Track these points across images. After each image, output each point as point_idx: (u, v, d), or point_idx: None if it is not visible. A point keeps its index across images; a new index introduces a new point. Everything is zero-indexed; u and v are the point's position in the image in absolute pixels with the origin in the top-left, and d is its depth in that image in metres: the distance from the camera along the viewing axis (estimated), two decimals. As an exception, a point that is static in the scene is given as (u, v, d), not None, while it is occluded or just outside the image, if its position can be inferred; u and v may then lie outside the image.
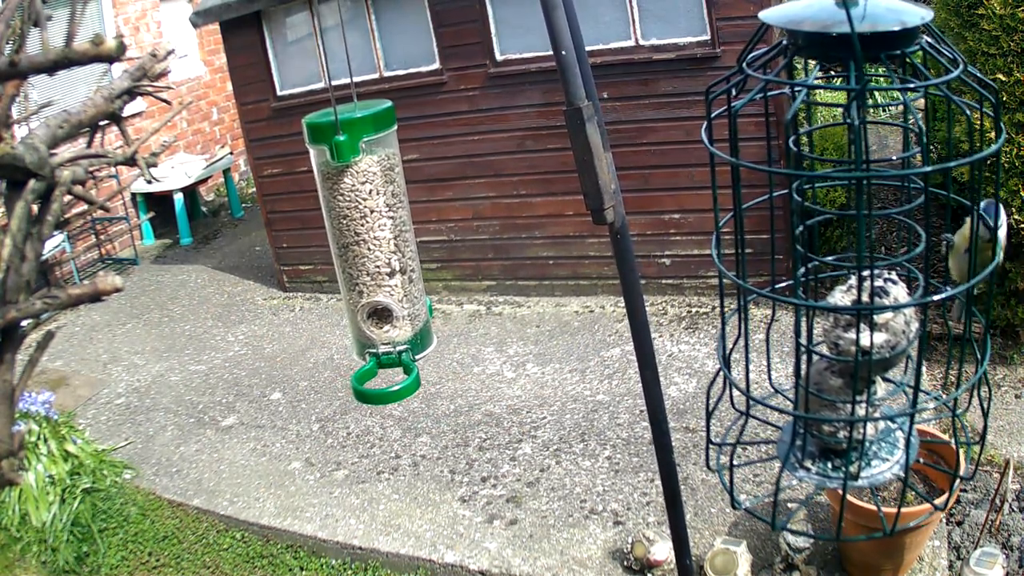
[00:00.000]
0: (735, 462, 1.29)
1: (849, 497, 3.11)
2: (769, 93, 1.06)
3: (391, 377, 1.75)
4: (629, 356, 5.05)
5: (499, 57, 5.63)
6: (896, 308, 1.06)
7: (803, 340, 1.10)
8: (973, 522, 3.43)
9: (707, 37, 5.07)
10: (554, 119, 5.49)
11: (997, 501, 3.35)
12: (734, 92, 1.06)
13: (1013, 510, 3.45)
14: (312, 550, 3.99)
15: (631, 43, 5.27)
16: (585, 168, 1.69)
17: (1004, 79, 3.87)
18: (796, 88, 1.00)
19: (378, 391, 1.64)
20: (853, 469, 1.12)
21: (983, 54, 3.95)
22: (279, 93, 6.43)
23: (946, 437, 3.24)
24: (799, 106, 0.98)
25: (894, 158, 1.00)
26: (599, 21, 5.30)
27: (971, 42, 4.00)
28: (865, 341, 1.06)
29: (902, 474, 1.13)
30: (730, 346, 1.24)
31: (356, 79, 6.03)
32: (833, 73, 1.01)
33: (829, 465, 1.16)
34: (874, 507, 3.07)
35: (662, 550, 3.40)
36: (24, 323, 1.31)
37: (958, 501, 3.55)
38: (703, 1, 5.00)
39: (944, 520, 3.44)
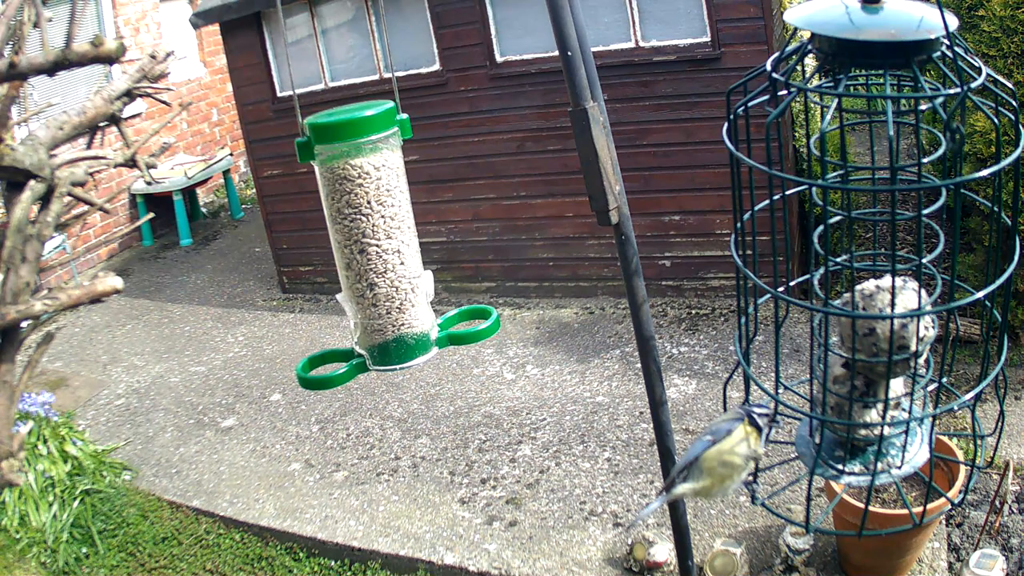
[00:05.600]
0: (761, 466, 1.29)
1: (848, 497, 3.11)
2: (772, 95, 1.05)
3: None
4: (629, 358, 5.05)
5: (499, 59, 5.63)
6: (942, 311, 1.06)
7: (843, 345, 1.11)
8: (973, 524, 3.42)
9: (707, 39, 5.06)
10: (554, 120, 5.49)
11: (997, 503, 3.35)
12: (766, 97, 1.06)
13: (1013, 512, 3.45)
14: (311, 551, 3.98)
15: (631, 44, 5.27)
16: (590, 170, 1.68)
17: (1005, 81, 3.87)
18: (826, 95, 0.99)
19: (465, 331, 1.68)
20: (882, 465, 1.13)
21: (983, 56, 3.95)
22: (279, 94, 6.43)
23: (946, 440, 3.24)
24: (821, 110, 0.97)
25: (926, 161, 0.99)
26: (599, 23, 5.29)
27: (971, 44, 4.00)
28: (914, 343, 1.07)
29: (925, 459, 1.14)
30: (743, 347, 1.24)
31: (356, 80, 6.06)
32: (839, 75, 1.00)
33: (857, 464, 1.16)
34: (874, 507, 3.07)
35: (662, 551, 3.40)
36: (24, 324, 1.31)
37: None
38: (703, 2, 4.99)
39: (944, 522, 3.43)
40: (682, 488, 1.33)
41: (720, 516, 3.65)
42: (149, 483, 4.59)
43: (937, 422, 3.55)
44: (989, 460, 1.29)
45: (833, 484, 3.09)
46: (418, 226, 1.67)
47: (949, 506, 1.31)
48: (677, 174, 5.40)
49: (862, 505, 3.06)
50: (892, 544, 3.14)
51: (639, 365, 1.99)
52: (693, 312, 5.47)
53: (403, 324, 1.62)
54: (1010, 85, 1.00)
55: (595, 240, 5.75)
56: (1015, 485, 3.55)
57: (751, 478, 1.31)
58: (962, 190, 1.01)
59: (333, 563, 3.92)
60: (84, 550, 4.13)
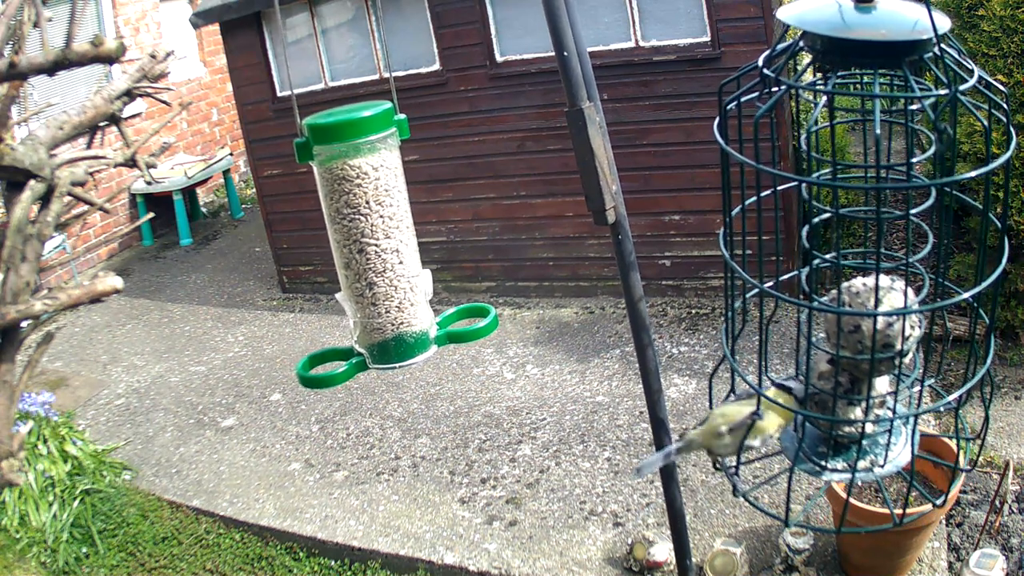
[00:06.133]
0: (744, 460, 1.29)
1: (842, 493, 3.11)
2: (765, 92, 1.06)
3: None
4: (628, 357, 5.05)
5: (499, 58, 5.63)
6: (926, 310, 1.07)
7: (829, 342, 1.11)
8: (973, 523, 3.43)
9: (707, 38, 5.07)
10: (554, 120, 5.49)
11: (997, 502, 3.35)
12: (755, 94, 1.06)
13: (1013, 511, 3.45)
14: (311, 551, 3.99)
15: (631, 44, 5.27)
16: (586, 169, 1.69)
17: (1004, 81, 3.87)
18: (818, 93, 1.00)
19: (464, 330, 1.68)
20: (865, 463, 1.14)
21: (983, 55, 3.95)
22: (279, 94, 6.43)
23: (947, 440, 3.24)
24: (813, 108, 0.98)
25: (915, 161, 1.00)
26: (599, 22, 5.30)
27: (971, 44, 4.00)
28: (899, 343, 1.07)
29: (909, 459, 1.15)
30: (730, 341, 1.25)
31: (356, 80, 6.06)
32: (833, 73, 1.00)
33: (840, 461, 1.17)
34: (872, 507, 3.08)
35: (662, 551, 3.40)
36: (24, 324, 1.31)
37: (958, 502, 3.54)
38: (703, 2, 5.00)
39: (944, 521, 3.44)
40: (691, 434, 1.37)
41: (720, 516, 3.65)
42: (149, 483, 4.59)
43: (938, 422, 3.54)
44: (974, 461, 1.30)
45: (835, 485, 3.10)
46: (418, 226, 1.68)
47: (932, 507, 1.32)
48: (677, 174, 5.40)
49: (863, 504, 3.06)
50: (891, 544, 3.14)
51: (638, 363, 2.00)
52: (693, 312, 5.47)
53: (402, 323, 1.63)
54: (1001, 87, 1.00)
55: (595, 240, 5.75)
56: (1015, 485, 3.55)
57: (734, 470, 1.31)
58: (952, 191, 1.01)
59: (333, 563, 3.92)
60: (84, 550, 4.13)
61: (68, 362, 6.19)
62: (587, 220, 5.58)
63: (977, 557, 3.09)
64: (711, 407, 1.38)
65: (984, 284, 1.03)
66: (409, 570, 3.77)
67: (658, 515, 3.71)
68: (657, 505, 3.76)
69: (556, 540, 3.71)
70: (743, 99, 1.08)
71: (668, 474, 2.25)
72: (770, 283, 1.14)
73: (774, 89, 1.03)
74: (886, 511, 3.04)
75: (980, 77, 0.97)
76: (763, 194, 1.15)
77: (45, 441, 4.33)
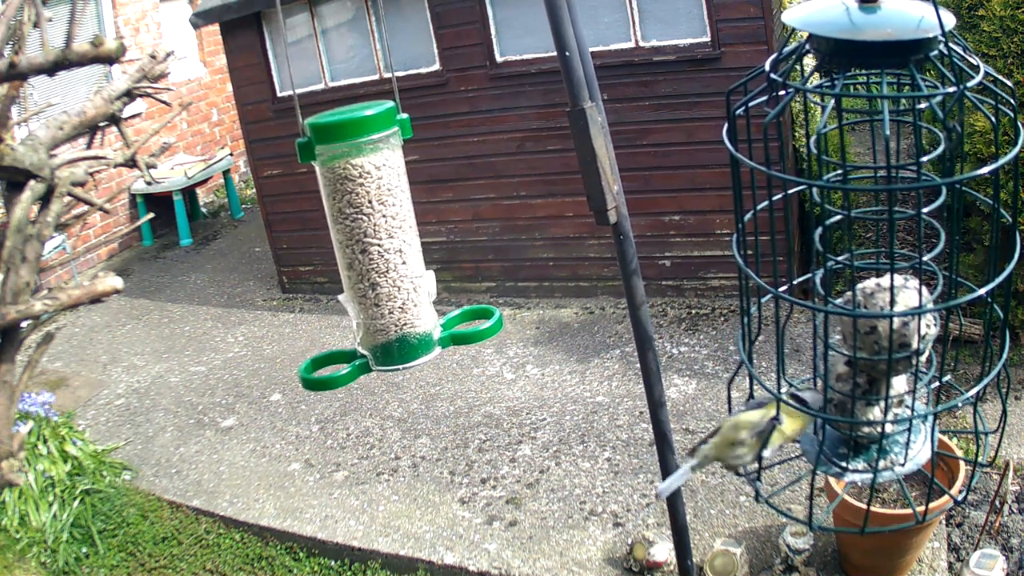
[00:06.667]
0: (764, 464, 1.29)
1: (848, 497, 3.11)
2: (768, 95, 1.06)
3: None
4: (628, 357, 5.05)
5: (499, 58, 5.63)
6: (942, 308, 1.07)
7: (845, 344, 1.11)
8: (973, 523, 3.42)
9: (707, 39, 5.07)
10: (554, 120, 5.49)
11: (997, 503, 3.35)
12: (764, 97, 1.06)
13: (1013, 512, 3.45)
14: (311, 551, 3.98)
15: (631, 44, 5.27)
16: (588, 169, 1.68)
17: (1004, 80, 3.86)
18: (825, 95, 1.00)
19: (470, 331, 1.68)
20: (886, 463, 1.14)
21: (983, 56, 3.95)
22: (279, 94, 6.43)
23: (946, 440, 3.24)
24: (820, 110, 0.98)
25: (924, 160, 0.99)
26: (599, 22, 5.29)
27: (971, 44, 4.00)
28: (915, 341, 1.07)
29: (928, 457, 1.15)
30: (746, 347, 1.24)
31: (356, 80, 6.06)
32: (836, 75, 1.00)
33: (861, 462, 1.17)
34: (873, 507, 3.07)
35: (662, 551, 3.40)
36: (24, 324, 1.31)
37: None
38: (703, 2, 5.00)
39: (944, 521, 3.44)
40: (704, 449, 1.36)
41: (720, 516, 3.65)
42: (149, 483, 4.59)
43: (937, 421, 3.55)
44: (992, 458, 1.30)
45: (834, 483, 3.10)
46: (418, 226, 1.67)
47: (951, 504, 1.32)
48: (677, 174, 5.40)
49: (862, 505, 3.06)
50: (892, 544, 3.14)
51: (639, 365, 2.00)
52: (693, 312, 5.47)
53: (406, 324, 1.62)
54: (1009, 84, 1.00)
55: (595, 240, 5.74)
56: (1015, 485, 3.55)
57: (755, 475, 1.31)
58: (962, 188, 1.01)
59: (333, 563, 3.92)
60: (84, 550, 4.13)
61: (68, 362, 6.19)
62: (587, 220, 5.58)
63: (977, 557, 3.09)
64: (731, 414, 1.37)
65: (999, 279, 1.03)
66: (409, 570, 3.76)
67: (658, 515, 3.71)
68: (657, 505, 3.76)
69: (556, 540, 3.71)
70: (751, 104, 1.08)
71: (668, 474, 2.25)
72: (784, 287, 1.14)
73: (781, 93, 1.03)
74: (894, 512, 3.05)
75: (986, 73, 0.96)
76: (775, 197, 1.15)
77: (45, 441, 4.33)
